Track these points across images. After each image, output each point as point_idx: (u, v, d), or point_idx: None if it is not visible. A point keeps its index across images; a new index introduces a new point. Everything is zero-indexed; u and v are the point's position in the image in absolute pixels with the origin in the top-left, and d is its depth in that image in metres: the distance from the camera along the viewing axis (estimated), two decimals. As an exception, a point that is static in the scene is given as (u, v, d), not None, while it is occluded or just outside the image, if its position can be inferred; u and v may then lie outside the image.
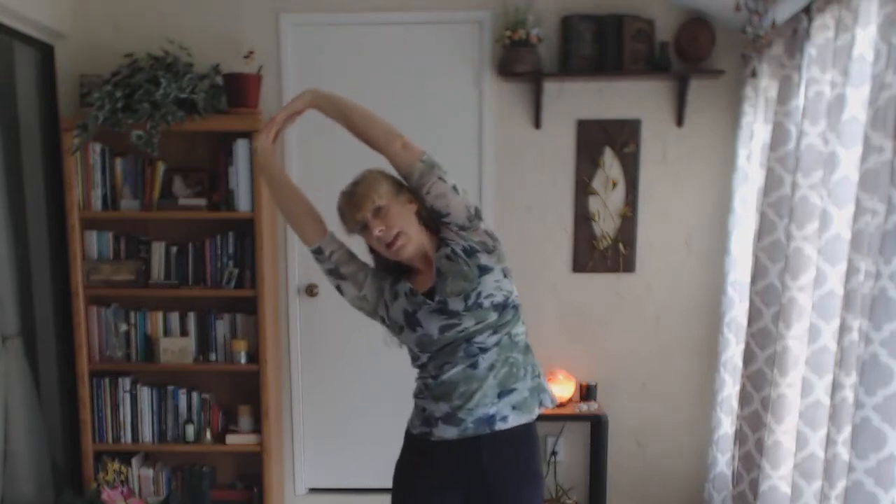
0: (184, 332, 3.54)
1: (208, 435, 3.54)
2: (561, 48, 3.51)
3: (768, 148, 2.84)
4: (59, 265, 3.53)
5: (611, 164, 3.59)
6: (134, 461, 3.57)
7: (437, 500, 2.01)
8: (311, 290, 3.71)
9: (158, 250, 3.50)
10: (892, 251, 1.86)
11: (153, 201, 3.45)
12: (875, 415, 1.91)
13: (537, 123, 3.57)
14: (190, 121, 3.27)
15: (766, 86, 3.05)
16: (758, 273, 2.86)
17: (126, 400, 3.53)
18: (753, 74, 3.16)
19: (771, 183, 2.78)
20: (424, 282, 1.99)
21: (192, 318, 3.54)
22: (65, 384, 3.58)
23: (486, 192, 3.60)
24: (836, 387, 2.15)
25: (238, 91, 3.35)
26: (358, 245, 2.08)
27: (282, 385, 3.72)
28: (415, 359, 2.03)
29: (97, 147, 3.40)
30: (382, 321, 2.05)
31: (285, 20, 3.56)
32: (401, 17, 3.56)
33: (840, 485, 2.11)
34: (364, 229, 1.97)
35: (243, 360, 3.50)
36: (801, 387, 2.49)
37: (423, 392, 2.01)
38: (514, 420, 1.95)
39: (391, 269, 2.05)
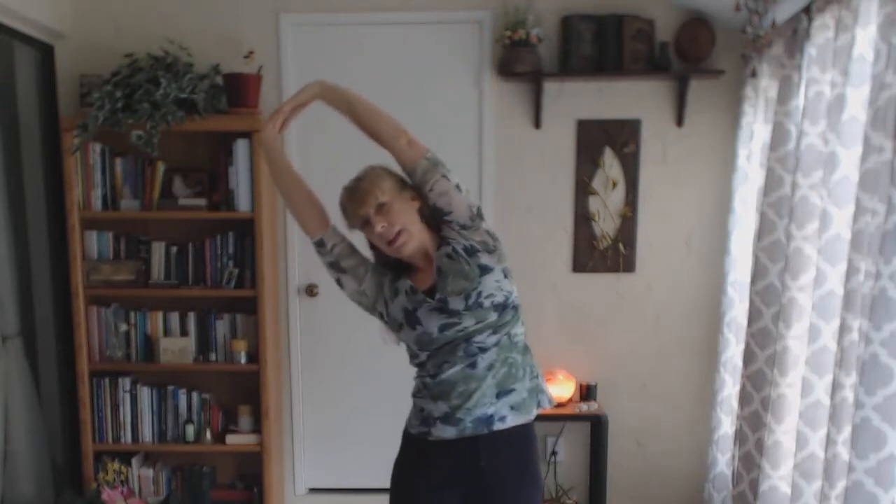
0: (184, 332, 3.54)
1: (208, 435, 3.54)
2: (561, 48, 3.51)
3: (768, 148, 2.84)
4: (59, 265, 3.53)
5: (611, 164, 3.59)
6: (134, 461, 3.57)
7: (436, 500, 2.01)
8: (311, 290, 3.71)
9: (158, 250, 3.50)
10: (892, 251, 1.86)
11: (153, 201, 3.45)
12: (875, 415, 1.91)
13: (537, 123, 3.57)
14: (190, 121, 3.27)
15: (766, 86, 3.05)
16: (758, 273, 2.86)
17: (126, 400, 3.53)
18: (753, 74, 3.16)
19: (771, 183, 2.78)
20: (425, 280, 1.99)
21: (192, 318, 3.54)
22: (65, 384, 3.58)
23: (486, 192, 3.60)
24: (836, 387, 2.15)
25: (238, 91, 3.35)
26: (359, 240, 2.08)
27: (282, 385, 3.72)
28: (413, 357, 2.03)
29: (97, 147, 3.40)
30: (381, 317, 2.05)
31: (285, 20, 3.56)
32: (401, 17, 3.56)
33: (840, 485, 2.11)
34: (366, 225, 1.97)
35: (243, 360, 3.50)
36: (801, 387, 2.49)
37: (422, 391, 2.00)
38: (513, 420, 1.95)
39: (391, 266, 2.05)
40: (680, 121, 3.55)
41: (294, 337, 3.73)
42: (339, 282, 2.06)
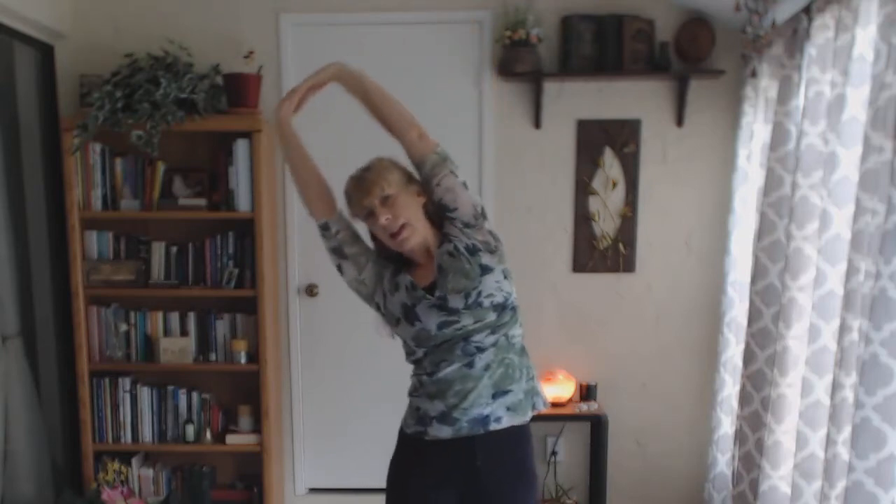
0: (184, 332, 3.53)
1: (208, 435, 3.54)
2: (561, 48, 3.51)
3: (768, 148, 2.84)
4: (59, 265, 3.53)
5: (611, 164, 3.59)
6: (134, 461, 3.56)
7: (433, 499, 2.01)
8: (311, 290, 3.71)
9: (158, 250, 3.50)
10: (892, 251, 1.86)
11: (153, 201, 3.45)
12: (875, 415, 1.91)
13: (537, 123, 3.57)
14: (190, 121, 3.27)
15: (766, 86, 3.05)
16: (758, 273, 2.86)
17: (126, 400, 3.53)
18: (753, 74, 3.16)
19: (771, 183, 2.78)
20: (424, 276, 1.98)
21: (192, 318, 3.54)
22: (65, 384, 3.58)
23: (486, 192, 3.59)
24: (836, 387, 2.15)
25: (238, 91, 3.35)
26: (363, 230, 2.07)
27: (282, 385, 3.72)
28: (409, 353, 2.02)
29: (97, 147, 3.40)
30: (377, 308, 2.04)
31: (285, 20, 3.56)
32: (401, 17, 3.56)
33: (840, 485, 2.11)
34: (370, 216, 1.96)
35: (243, 360, 3.50)
36: (801, 387, 2.49)
37: (418, 389, 2.00)
38: (508, 421, 1.95)
39: (392, 259, 2.05)
40: (680, 121, 3.55)
41: (294, 337, 3.73)
42: (339, 268, 2.05)
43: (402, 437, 2.07)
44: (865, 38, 2.15)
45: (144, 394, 3.54)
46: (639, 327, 3.68)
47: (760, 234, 2.86)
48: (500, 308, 1.93)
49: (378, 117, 1.98)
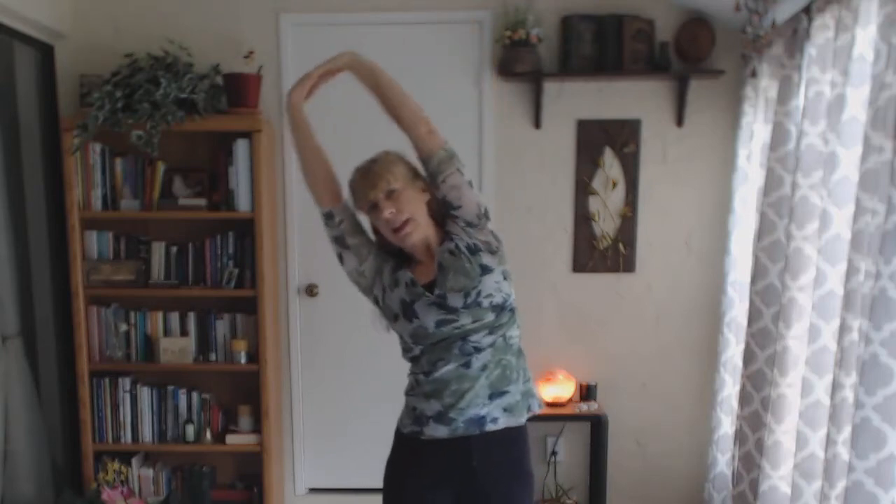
0: (184, 332, 3.53)
1: (208, 435, 3.54)
2: (561, 48, 3.51)
3: (768, 148, 2.84)
4: (59, 265, 3.53)
5: (611, 164, 3.59)
6: (134, 461, 3.56)
7: (429, 499, 2.00)
8: (311, 290, 3.71)
9: (158, 250, 3.50)
10: (892, 251, 1.86)
11: (153, 201, 3.45)
12: (875, 415, 1.91)
13: (537, 123, 3.57)
14: (190, 121, 3.27)
15: (766, 86, 3.05)
16: (758, 273, 2.86)
17: (126, 400, 3.53)
18: (753, 74, 3.16)
19: (771, 183, 2.78)
20: (424, 273, 1.98)
21: (192, 318, 3.54)
22: (65, 384, 3.57)
23: (486, 192, 3.59)
24: (836, 387, 2.15)
25: (238, 91, 3.35)
26: (366, 224, 2.07)
27: (282, 385, 3.72)
28: (406, 350, 2.02)
29: (97, 147, 3.40)
30: (375, 302, 2.04)
31: (285, 20, 3.56)
32: (401, 17, 3.56)
33: (840, 485, 2.11)
34: (373, 209, 1.95)
35: (243, 360, 3.50)
36: (801, 387, 2.49)
37: (415, 388, 2.00)
38: (505, 422, 1.95)
39: (392, 253, 2.04)
40: (680, 121, 3.55)
41: (294, 337, 3.73)
42: (340, 257, 2.04)
43: (399, 436, 2.07)
44: (865, 38, 2.15)
45: (144, 394, 3.54)
46: (639, 327, 3.68)
47: (760, 234, 2.86)
48: (499, 309, 1.93)
49: (388, 110, 1.97)
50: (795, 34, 2.64)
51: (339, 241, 2.03)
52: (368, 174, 1.94)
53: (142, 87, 3.22)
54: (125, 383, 3.53)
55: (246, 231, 3.45)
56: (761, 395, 2.82)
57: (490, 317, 1.92)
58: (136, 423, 3.54)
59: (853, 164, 2.21)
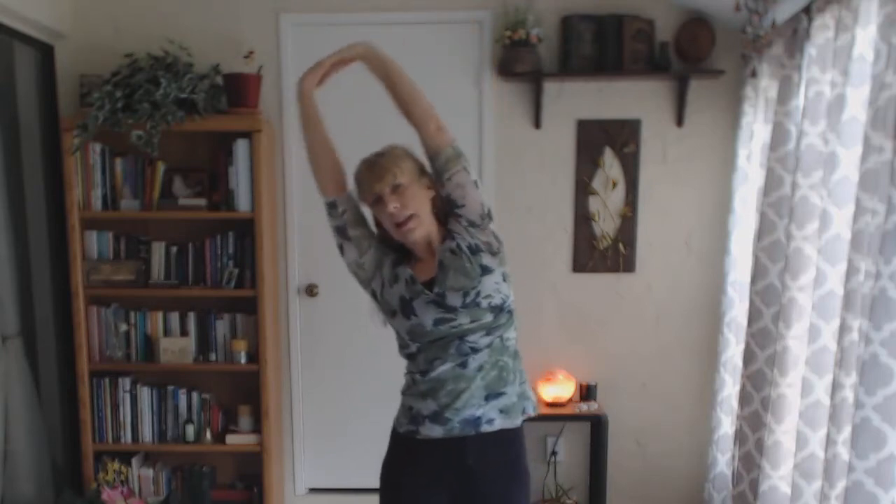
0: (184, 332, 3.53)
1: (208, 435, 3.54)
2: (561, 48, 3.51)
3: (768, 148, 2.84)
4: (59, 265, 3.53)
5: (611, 164, 3.59)
6: (134, 461, 3.56)
7: (425, 498, 2.00)
8: (311, 290, 3.71)
9: (158, 250, 3.50)
10: (892, 251, 1.86)
11: (153, 201, 3.45)
12: (875, 415, 1.91)
13: (537, 123, 3.57)
14: (190, 121, 3.27)
15: (766, 86, 3.05)
16: (758, 273, 2.86)
17: (126, 400, 3.53)
18: (753, 74, 3.16)
19: (771, 183, 2.78)
20: (424, 271, 1.97)
21: (192, 318, 3.54)
22: (65, 384, 3.57)
23: (486, 192, 3.56)
24: (836, 387, 2.15)
25: (238, 91, 3.35)
26: (369, 216, 2.06)
27: (282, 385, 3.72)
28: (403, 346, 2.01)
29: (97, 147, 3.40)
30: (373, 295, 2.03)
31: (285, 20, 3.56)
32: (401, 17, 3.55)
33: (840, 485, 2.11)
34: (378, 202, 1.95)
35: (243, 360, 3.50)
36: (801, 387, 2.49)
37: (411, 388, 2.00)
38: (500, 424, 1.95)
39: (393, 248, 2.04)
40: (680, 121, 3.55)
41: (294, 337, 3.73)
42: (340, 248, 2.04)
43: (395, 436, 2.07)
44: (865, 38, 2.15)
45: (144, 394, 3.54)
46: (639, 327, 3.68)
47: (760, 234, 2.86)
48: (497, 310, 1.93)
49: (399, 104, 1.95)
50: (795, 34, 2.64)
51: (340, 231, 2.02)
52: (375, 167, 1.94)
53: (142, 87, 3.22)
54: (125, 383, 3.53)
55: (246, 231, 3.45)
56: (761, 395, 2.82)
57: (488, 317, 1.92)
58: (136, 423, 3.54)
59: (853, 164, 2.21)
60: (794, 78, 2.66)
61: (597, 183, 3.61)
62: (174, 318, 3.53)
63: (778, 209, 2.75)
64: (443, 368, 1.92)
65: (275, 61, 3.55)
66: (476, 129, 3.60)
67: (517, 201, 3.63)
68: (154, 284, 3.49)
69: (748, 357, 2.92)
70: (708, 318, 3.61)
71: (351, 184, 2.02)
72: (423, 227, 1.94)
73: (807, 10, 2.54)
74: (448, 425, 1.92)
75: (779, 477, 2.68)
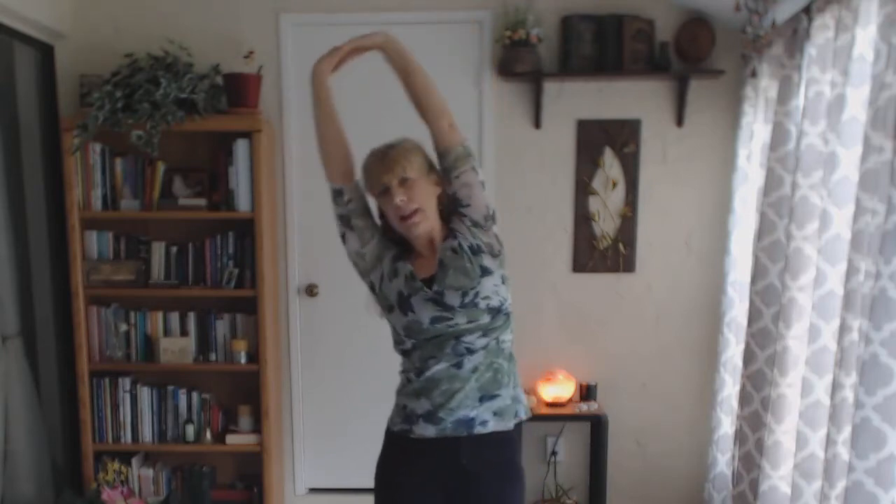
0: (184, 332, 3.53)
1: (208, 435, 3.54)
2: (561, 48, 3.51)
3: (768, 148, 2.84)
4: (59, 265, 3.53)
5: (611, 164, 3.59)
6: (134, 461, 3.57)
7: (420, 499, 2.00)
8: (311, 290, 3.71)
9: (158, 250, 3.50)
10: (892, 251, 1.86)
11: (153, 201, 3.45)
12: (875, 415, 1.91)
13: (537, 123, 3.57)
14: (190, 121, 3.27)
15: (766, 86, 3.05)
16: (758, 273, 2.86)
17: (126, 400, 3.53)
18: (753, 74, 3.16)
19: (771, 183, 2.78)
20: (424, 267, 1.97)
21: (192, 318, 3.54)
22: (65, 384, 3.57)
23: (486, 192, 3.59)
24: (836, 387, 2.15)
25: (238, 91, 3.35)
26: (374, 207, 2.06)
27: (282, 385, 3.72)
28: (398, 342, 2.01)
29: (97, 147, 3.40)
30: (371, 288, 2.03)
31: (285, 20, 3.56)
32: (401, 17, 3.55)
33: (840, 485, 2.11)
34: (384, 193, 1.94)
35: (243, 360, 3.50)
36: (801, 387, 2.49)
37: (406, 387, 2.00)
38: (494, 426, 1.94)
39: (394, 242, 2.03)
40: (680, 121, 3.55)
41: (294, 337, 3.73)
42: (343, 237, 2.03)
43: (389, 435, 2.07)
44: (865, 38, 2.15)
45: (144, 394, 3.54)
46: (639, 327, 3.68)
47: (760, 234, 2.86)
48: (495, 312, 1.93)
49: (413, 98, 1.95)
50: (795, 34, 2.64)
51: (344, 220, 2.01)
52: (385, 158, 1.93)
53: (142, 87, 3.22)
54: (125, 383, 3.53)
55: (246, 231, 3.45)
56: (761, 395, 2.82)
57: (485, 319, 1.92)
58: (136, 423, 3.54)
59: (853, 164, 2.21)
60: (794, 78, 2.66)
61: (597, 183, 3.61)
62: (174, 318, 3.53)
63: (778, 209, 2.75)
64: (437, 368, 1.92)
65: (275, 61, 3.55)
66: (476, 129, 3.59)
67: (517, 201, 3.63)
68: (154, 284, 3.49)
69: (748, 357, 2.92)
70: (708, 318, 3.61)
71: (359, 173, 2.01)
72: (427, 223, 1.94)
73: (807, 10, 2.54)
74: (441, 425, 1.92)
75: (779, 477, 2.68)
